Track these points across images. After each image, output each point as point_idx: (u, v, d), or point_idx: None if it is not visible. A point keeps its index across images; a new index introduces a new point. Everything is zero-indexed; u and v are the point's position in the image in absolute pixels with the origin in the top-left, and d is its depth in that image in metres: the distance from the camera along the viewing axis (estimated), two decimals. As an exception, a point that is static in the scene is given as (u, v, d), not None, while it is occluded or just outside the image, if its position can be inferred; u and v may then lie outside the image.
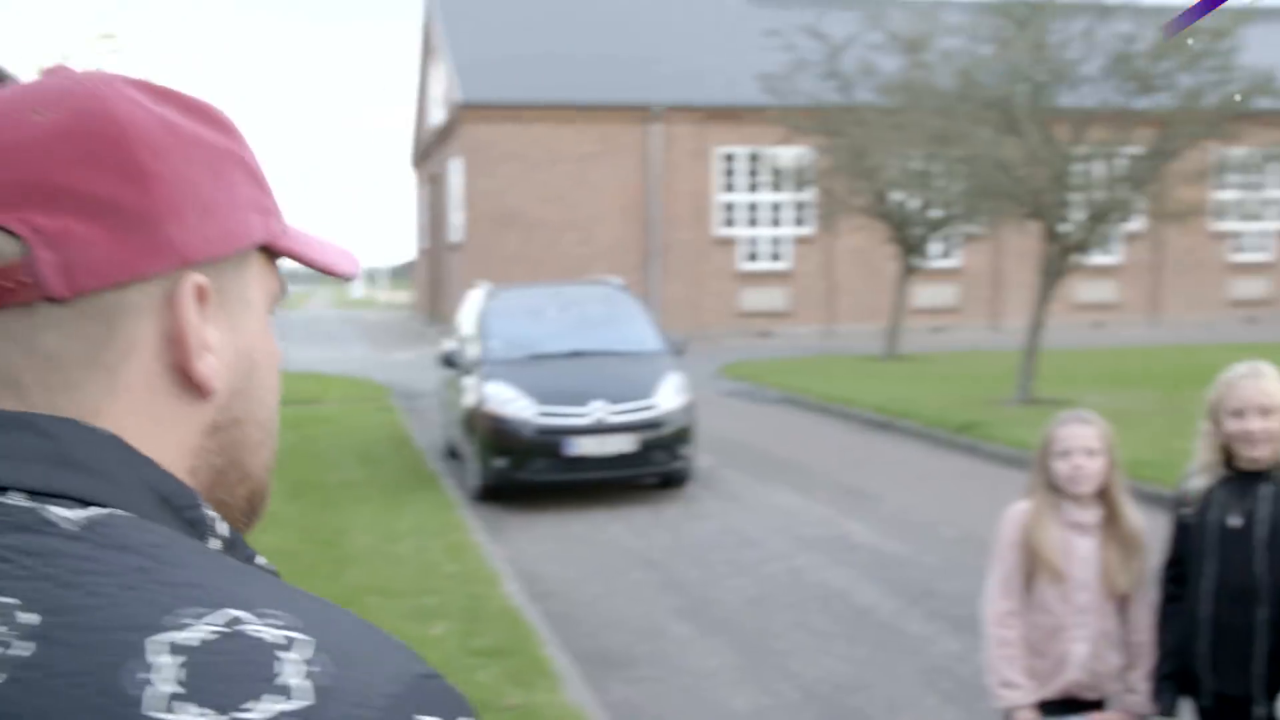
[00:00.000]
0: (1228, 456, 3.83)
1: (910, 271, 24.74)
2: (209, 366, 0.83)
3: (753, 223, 32.83)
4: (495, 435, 11.33)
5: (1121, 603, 3.99)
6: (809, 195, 28.80)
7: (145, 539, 0.75)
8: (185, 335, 0.82)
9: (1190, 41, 16.56)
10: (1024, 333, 17.85)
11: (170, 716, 0.66)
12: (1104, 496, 3.96)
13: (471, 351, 12.52)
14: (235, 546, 0.84)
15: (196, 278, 0.82)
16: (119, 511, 0.77)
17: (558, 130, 31.00)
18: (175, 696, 0.67)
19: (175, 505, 0.81)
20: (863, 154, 22.74)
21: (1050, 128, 17.30)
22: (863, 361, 23.62)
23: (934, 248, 25.81)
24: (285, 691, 0.68)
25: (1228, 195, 27.22)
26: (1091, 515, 3.95)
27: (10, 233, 0.77)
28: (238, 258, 0.86)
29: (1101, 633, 3.95)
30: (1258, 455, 3.72)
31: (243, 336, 0.87)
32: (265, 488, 0.92)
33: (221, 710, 0.67)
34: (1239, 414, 3.73)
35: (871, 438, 15.42)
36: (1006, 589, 4.01)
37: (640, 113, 31.45)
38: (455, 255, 33.25)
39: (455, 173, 32.96)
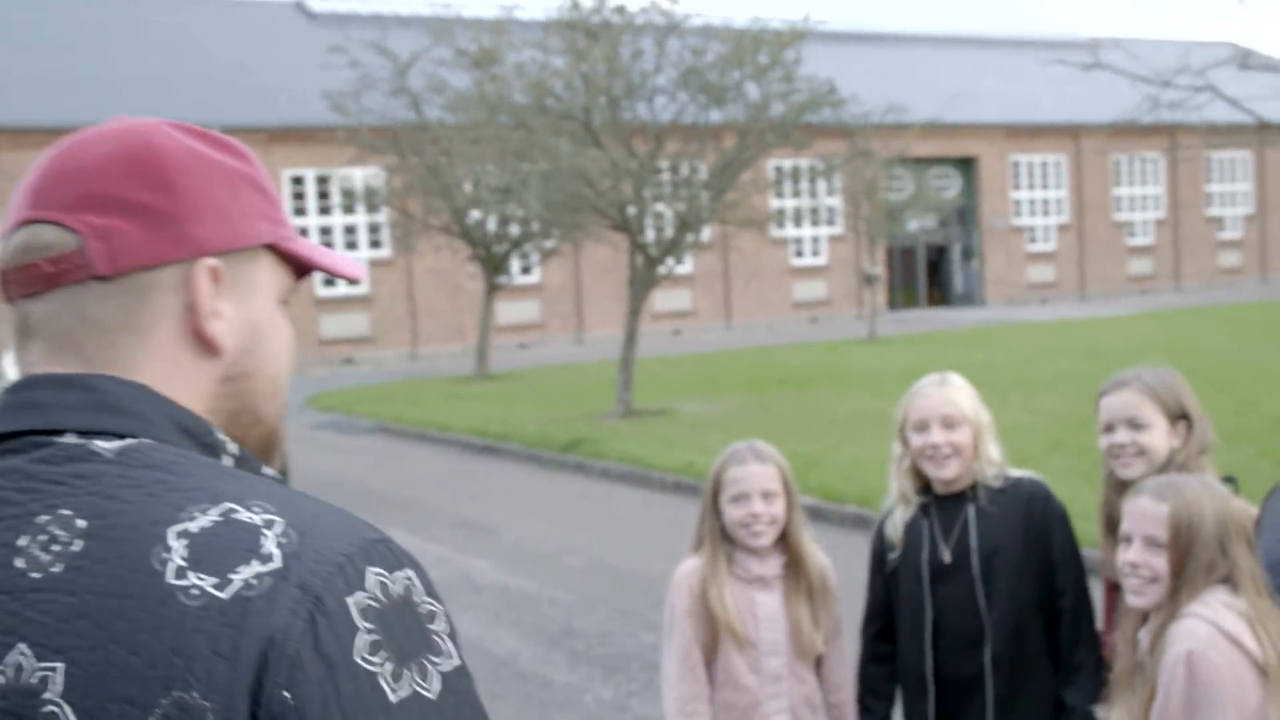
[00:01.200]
0: (925, 483, 3.45)
1: (493, 289, 24.35)
2: (218, 329, 1.08)
3: (327, 247, 31.45)
4: None
5: (817, 661, 3.49)
6: (384, 216, 27.95)
7: (165, 458, 1.01)
8: (199, 304, 1.07)
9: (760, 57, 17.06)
10: (608, 345, 17.84)
11: (181, 582, 0.93)
12: (785, 542, 3.43)
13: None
14: (246, 462, 1.09)
15: (210, 262, 1.07)
16: (146, 440, 1.02)
17: (106, 155, 28.53)
18: (182, 568, 0.93)
19: (193, 433, 1.06)
20: (438, 171, 22.16)
21: (630, 140, 17.33)
22: (453, 383, 23.01)
23: (515, 264, 25.56)
24: (264, 558, 0.94)
25: (787, 203, 28.65)
26: (773, 566, 3.41)
27: (71, 230, 1.05)
28: (249, 253, 1.12)
29: (802, 699, 3.42)
30: (945, 474, 3.30)
31: (251, 312, 1.12)
32: (276, 432, 1.17)
33: (216, 574, 0.93)
34: (922, 427, 3.31)
35: (476, 463, 14.82)
36: (687, 668, 3.37)
37: (198, 134, 29.49)
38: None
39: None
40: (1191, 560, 2.61)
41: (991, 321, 32.37)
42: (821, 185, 29.71)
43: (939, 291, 41.24)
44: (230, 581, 0.92)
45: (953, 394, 3.34)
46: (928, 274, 41.00)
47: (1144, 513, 2.70)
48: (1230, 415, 13.96)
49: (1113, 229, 42.45)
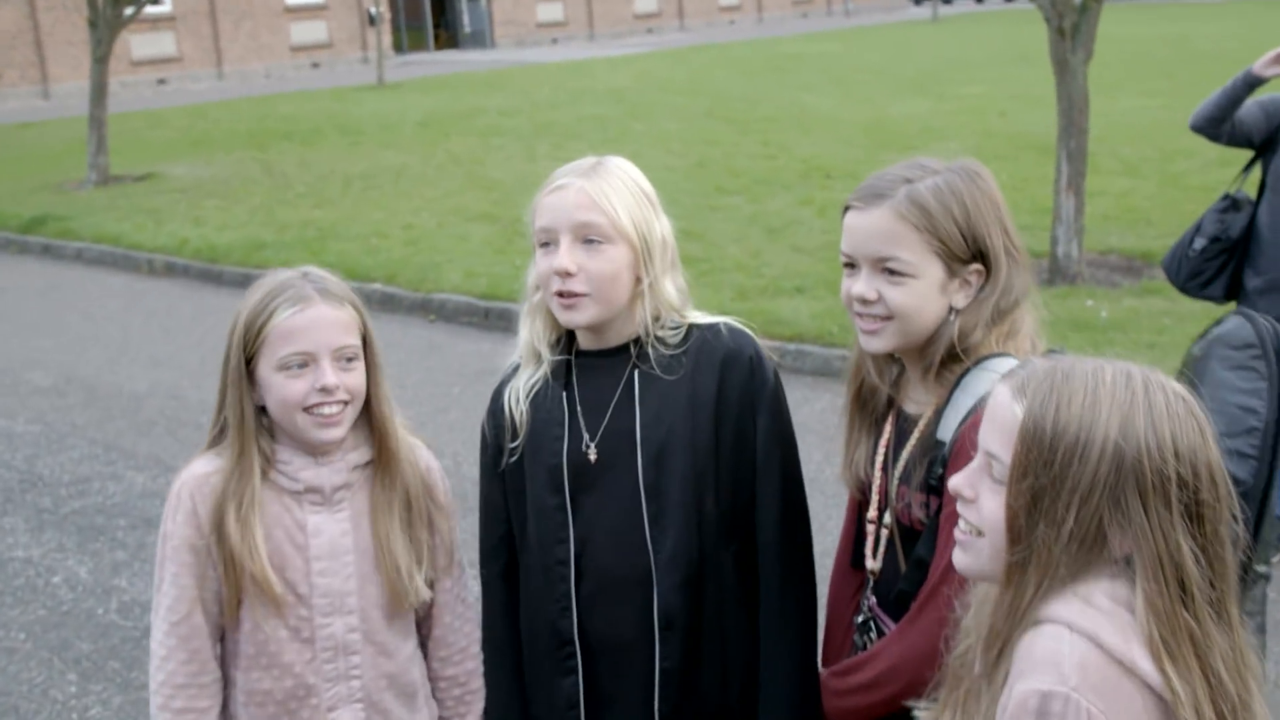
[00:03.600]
0: (569, 333, 2.14)
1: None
2: None
3: None
4: None
5: (414, 613, 2.23)
6: None
7: None
8: None
9: None
10: (79, 99, 15.23)
11: None
12: (367, 426, 2.14)
13: None
14: None
15: None
16: None
17: None
18: None
19: None
20: None
21: None
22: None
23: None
24: None
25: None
26: (337, 468, 2.11)
27: None
28: None
29: (384, 681, 2.17)
30: (578, 320, 2.04)
31: None
32: None
33: None
34: (548, 240, 2.03)
35: (-89, 252, 12.15)
36: (178, 638, 2.05)
37: None
38: None
39: None
40: (1043, 517, 1.41)
41: (503, 64, 31.13)
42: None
43: (446, 33, 39.46)
44: None
45: (600, 189, 2.01)
46: (434, 14, 39.07)
47: (992, 412, 1.50)
48: (762, 160, 13.54)
49: (618, -35, 41.89)
